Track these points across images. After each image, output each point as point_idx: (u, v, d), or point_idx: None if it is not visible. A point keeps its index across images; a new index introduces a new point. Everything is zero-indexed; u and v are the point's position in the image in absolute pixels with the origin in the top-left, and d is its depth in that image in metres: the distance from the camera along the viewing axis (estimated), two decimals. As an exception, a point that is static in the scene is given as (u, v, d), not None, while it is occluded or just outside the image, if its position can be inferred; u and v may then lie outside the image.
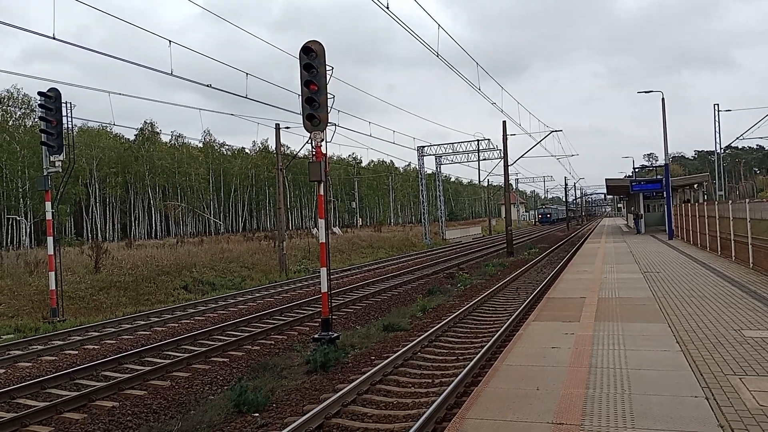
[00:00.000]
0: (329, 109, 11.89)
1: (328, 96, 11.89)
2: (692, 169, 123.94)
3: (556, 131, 40.11)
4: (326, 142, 11.97)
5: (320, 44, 11.75)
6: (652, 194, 41.49)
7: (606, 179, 47.21)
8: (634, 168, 58.63)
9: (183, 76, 17.44)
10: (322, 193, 11.92)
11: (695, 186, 43.25)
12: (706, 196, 45.76)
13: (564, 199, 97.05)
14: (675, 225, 32.48)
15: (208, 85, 17.31)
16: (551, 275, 20.91)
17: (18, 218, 54.57)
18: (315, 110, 11.63)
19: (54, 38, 11.61)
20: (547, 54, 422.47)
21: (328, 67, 11.79)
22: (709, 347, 7.25)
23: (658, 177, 41.19)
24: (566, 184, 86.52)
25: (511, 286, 20.03)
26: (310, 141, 12.12)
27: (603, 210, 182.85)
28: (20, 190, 56.21)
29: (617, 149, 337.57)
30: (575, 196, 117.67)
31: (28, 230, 54.61)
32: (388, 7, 13.57)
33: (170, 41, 14.86)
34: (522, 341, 8.24)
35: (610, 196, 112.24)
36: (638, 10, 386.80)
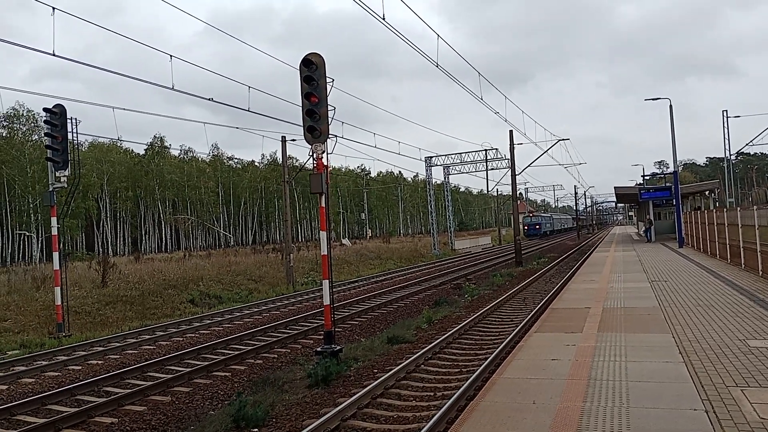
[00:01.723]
0: (330, 120, 11.89)
1: (329, 108, 11.89)
2: (704, 175, 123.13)
3: (563, 140, 39.87)
4: (327, 153, 11.97)
5: (320, 56, 11.76)
6: (661, 202, 41.19)
7: (615, 187, 46.95)
8: (643, 175, 58.28)
9: (185, 90, 17.62)
10: (323, 204, 11.89)
11: (706, 193, 42.86)
12: (717, 203, 45.34)
13: (574, 208, 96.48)
14: (685, 233, 32.19)
15: (209, 99, 17.41)
16: (559, 285, 20.72)
17: (28, 233, 55.01)
18: (316, 122, 11.62)
19: (54, 55, 11.72)
20: (549, 64, 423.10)
21: (328, 79, 11.79)
22: (713, 358, 7.11)
23: (667, 185, 40.87)
24: (576, 193, 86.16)
25: (518, 297, 19.87)
26: (311, 153, 12.12)
27: (614, 218, 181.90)
28: (31, 205, 56.73)
29: (626, 157, 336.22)
30: (585, 205, 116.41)
31: (39, 245, 54.98)
32: (384, 18, 13.60)
33: (171, 56, 14.97)
34: (522, 353, 8.13)
35: (622, 205, 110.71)
36: (639, 20, 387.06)
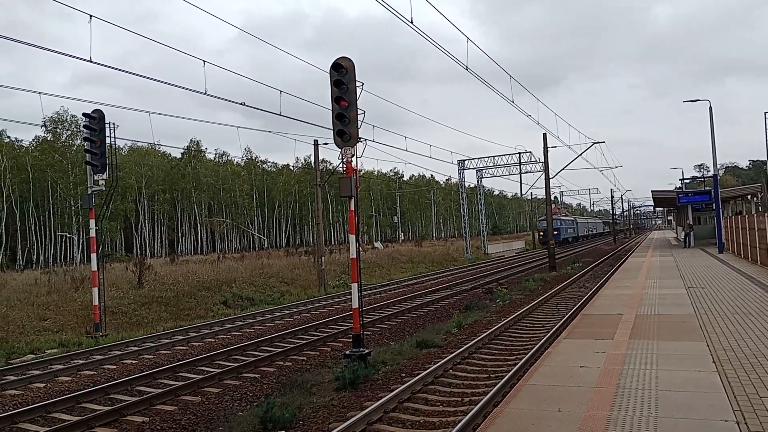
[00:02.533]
0: (360, 124, 11.93)
1: (359, 111, 11.93)
2: (746, 179, 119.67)
3: (598, 143, 39.19)
4: (357, 157, 12.02)
5: (350, 60, 11.81)
6: (701, 206, 40.18)
7: (652, 191, 45.99)
8: (682, 179, 56.90)
9: (217, 95, 17.83)
10: (352, 208, 11.93)
11: (748, 197, 41.68)
12: (759, 208, 44.04)
13: (611, 212, 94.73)
14: (725, 238, 31.35)
15: (242, 104, 17.65)
16: (592, 291, 20.39)
17: (69, 235, 56.53)
18: (345, 126, 11.67)
19: (90, 61, 12.06)
20: (580, 67, 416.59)
21: (358, 83, 11.83)
22: (747, 367, 6.91)
23: (707, 188, 39.87)
24: (612, 197, 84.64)
25: (550, 302, 19.62)
26: (341, 156, 12.18)
27: (653, 223, 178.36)
28: (72, 208, 58.29)
29: (664, 161, 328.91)
30: (622, 209, 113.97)
31: (80, 247, 56.44)
32: (412, 22, 13.59)
33: (204, 61, 15.22)
34: (550, 360, 8.02)
35: (660, 209, 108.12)
36: (672, 21, 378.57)
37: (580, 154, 38.57)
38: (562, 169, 39.55)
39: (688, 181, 65.07)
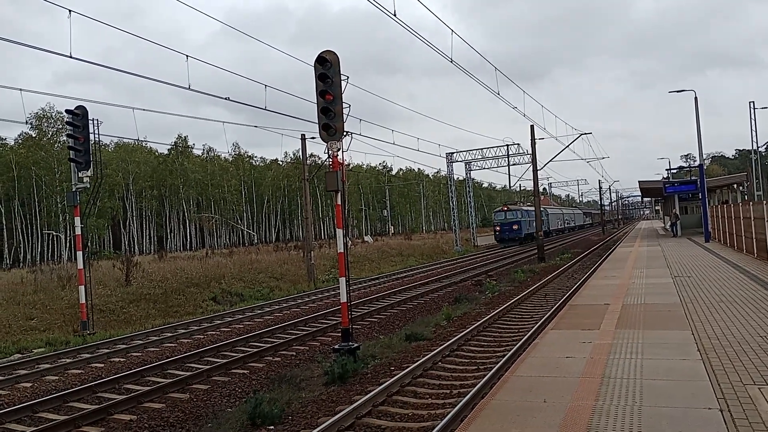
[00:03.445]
0: (345, 118, 11.87)
1: (344, 105, 11.88)
2: (732, 168, 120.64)
3: (585, 134, 39.28)
4: (343, 151, 11.98)
5: (335, 54, 11.75)
6: (688, 196, 40.49)
7: (639, 181, 46.28)
8: (668, 169, 57.24)
9: (200, 90, 17.86)
10: (339, 202, 11.90)
11: (734, 186, 42.03)
12: (745, 197, 44.41)
13: (599, 202, 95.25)
14: (712, 227, 31.60)
15: (226, 98, 17.52)
16: (580, 281, 20.50)
17: (56, 233, 56.07)
18: (331, 120, 11.62)
19: (71, 57, 11.92)
20: (564, 60, 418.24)
21: (343, 77, 11.77)
22: (732, 355, 6.97)
23: (693, 178, 40.16)
24: (600, 187, 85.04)
25: (539, 293, 19.70)
26: (326, 151, 12.14)
27: (641, 213, 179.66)
28: (59, 205, 57.78)
29: (650, 151, 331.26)
30: (611, 199, 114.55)
31: (67, 245, 55.99)
32: (395, 15, 13.53)
33: (187, 56, 15.09)
34: (536, 351, 8.05)
35: (648, 199, 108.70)
36: (655, 13, 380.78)
37: (568, 146, 38.72)
38: (550, 160, 39.73)
39: (675, 171, 65.50)
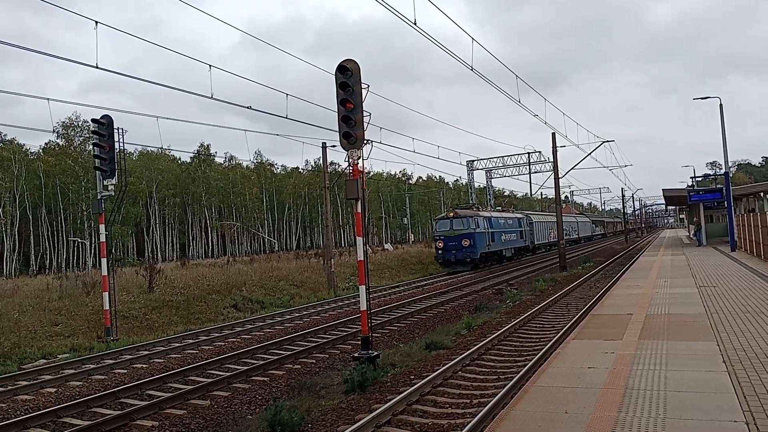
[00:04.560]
0: (366, 126, 11.92)
1: (365, 114, 11.93)
2: (759, 176, 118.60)
3: (608, 141, 38.91)
4: (364, 159, 12.03)
5: (355, 63, 11.82)
6: (713, 204, 39.87)
7: (663, 189, 45.71)
8: (693, 177, 56.48)
9: (223, 99, 18.10)
10: (359, 210, 11.94)
11: (761, 194, 41.29)
12: (772, 205, 43.57)
13: (622, 211, 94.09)
14: (738, 236, 31.08)
15: (248, 107, 17.70)
16: (602, 290, 20.27)
17: (81, 240, 56.94)
18: (351, 128, 11.68)
19: (97, 67, 12.15)
20: (582, 66, 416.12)
21: (363, 85, 11.84)
22: (758, 367, 6.84)
23: (719, 186, 39.54)
24: (623, 195, 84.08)
25: (560, 302, 19.51)
26: (347, 159, 12.19)
27: (665, 221, 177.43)
28: (84, 213, 58.71)
29: (674, 159, 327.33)
30: (634, 208, 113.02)
31: (92, 252, 56.83)
32: (415, 23, 13.57)
33: (210, 66, 15.28)
34: (558, 361, 7.97)
35: (672, 207, 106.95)
36: (674, 19, 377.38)
37: (590, 153, 38.36)
38: (572, 168, 39.35)
39: (699, 179, 64.61)
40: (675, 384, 6.40)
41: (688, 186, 54.53)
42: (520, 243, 45.36)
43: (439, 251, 36.33)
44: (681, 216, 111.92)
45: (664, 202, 77.97)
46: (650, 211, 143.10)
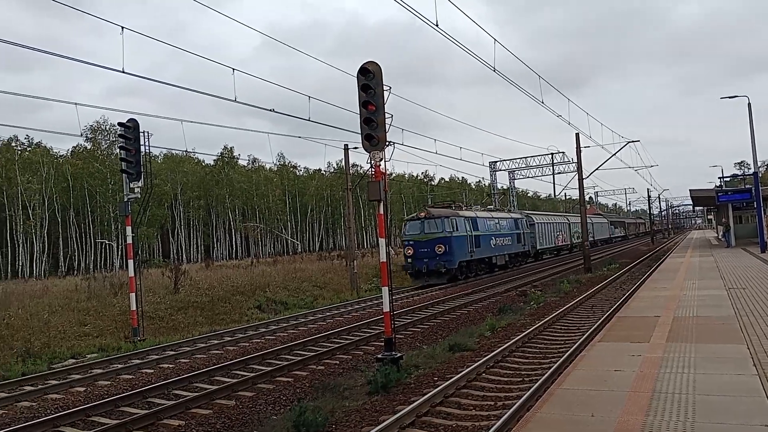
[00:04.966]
0: (388, 128, 11.94)
1: (387, 115, 11.95)
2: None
3: (633, 142, 38.41)
4: (386, 161, 12.04)
5: (377, 65, 11.84)
6: (742, 205, 39.10)
7: (690, 190, 44.93)
8: (721, 177, 55.49)
9: (246, 102, 18.21)
10: (381, 212, 11.95)
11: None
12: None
13: (648, 211, 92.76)
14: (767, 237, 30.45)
15: (271, 110, 17.85)
16: (628, 292, 20.01)
17: (109, 242, 57.87)
18: (373, 130, 11.70)
19: (123, 72, 12.35)
20: (605, 67, 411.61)
21: (385, 87, 11.85)
22: (790, 371, 6.69)
23: (747, 186, 38.80)
24: (649, 196, 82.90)
25: (585, 304, 19.30)
26: (369, 161, 12.22)
27: (692, 222, 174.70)
28: (111, 215, 59.68)
29: (701, 159, 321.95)
30: (660, 209, 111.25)
31: (119, 253, 57.74)
32: (437, 25, 13.56)
33: (233, 69, 15.43)
34: (583, 363, 7.89)
35: (699, 208, 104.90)
36: (697, 17, 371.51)
37: (614, 154, 37.92)
38: (596, 169, 39.00)
39: (728, 179, 63.47)
40: (704, 388, 6.29)
41: (716, 186, 53.59)
42: (517, 248, 39.10)
43: (408, 260, 29.90)
44: (709, 217, 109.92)
45: (691, 203, 76.57)
46: (677, 212, 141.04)
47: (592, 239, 55.27)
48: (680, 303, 13.07)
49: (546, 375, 9.56)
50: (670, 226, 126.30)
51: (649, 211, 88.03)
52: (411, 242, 29.78)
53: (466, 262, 31.23)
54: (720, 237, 46.12)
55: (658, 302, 13.47)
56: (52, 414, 9.75)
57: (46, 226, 61.54)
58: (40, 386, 11.90)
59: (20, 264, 58.76)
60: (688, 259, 28.06)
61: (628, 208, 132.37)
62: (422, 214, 30.67)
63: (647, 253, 48.25)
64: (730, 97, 31.37)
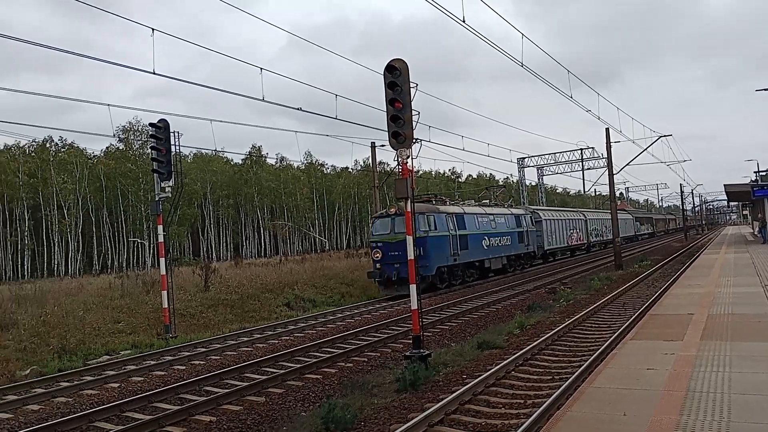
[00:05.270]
0: (415, 125, 11.92)
1: (413, 113, 11.93)
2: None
3: (665, 136, 37.71)
4: (413, 158, 12.02)
5: (404, 62, 11.82)
6: (778, 199, 38.15)
7: (725, 185, 43.98)
8: (756, 171, 54.10)
9: (274, 101, 18.33)
10: (408, 209, 11.94)
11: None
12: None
13: (681, 207, 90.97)
14: (806, 232, 29.65)
15: (298, 108, 17.95)
16: (661, 290, 19.67)
17: (141, 241, 58.89)
18: (400, 127, 11.69)
19: (154, 73, 12.55)
20: (635, 61, 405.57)
21: (412, 84, 11.83)
22: (831, 370, 6.51)
23: (785, 180, 37.82)
24: (681, 191, 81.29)
25: (616, 302, 19.03)
26: (396, 158, 12.22)
27: (727, 218, 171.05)
28: (143, 214, 60.72)
29: (736, 153, 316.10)
30: (693, 204, 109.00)
31: (151, 252, 58.72)
32: (464, 20, 13.48)
33: (261, 68, 15.58)
34: (615, 362, 7.78)
35: (734, 203, 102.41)
36: (729, 8, 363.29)
37: (646, 149, 37.30)
38: (627, 164, 38.40)
39: (763, 173, 61.89)
40: (740, 387, 6.15)
41: (751, 181, 52.30)
42: (518, 249, 34.27)
43: (376, 265, 24.64)
44: (744, 212, 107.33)
45: (725, 198, 74.76)
46: (711, 207, 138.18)
47: (605, 238, 51.51)
48: (715, 300, 12.80)
49: (576, 373, 9.46)
50: (703, 222, 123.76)
51: (682, 206, 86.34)
52: (379, 244, 24.86)
53: (448, 268, 26.40)
54: (756, 233, 45.02)
55: (692, 299, 13.22)
56: (88, 409, 9.97)
57: (81, 226, 62.91)
58: (75, 382, 12.17)
59: (56, 262, 60.17)
60: (723, 256, 27.46)
61: (660, 203, 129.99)
62: (392, 210, 25.34)
63: (680, 250, 47.37)
64: (765, 89, 30.63)
